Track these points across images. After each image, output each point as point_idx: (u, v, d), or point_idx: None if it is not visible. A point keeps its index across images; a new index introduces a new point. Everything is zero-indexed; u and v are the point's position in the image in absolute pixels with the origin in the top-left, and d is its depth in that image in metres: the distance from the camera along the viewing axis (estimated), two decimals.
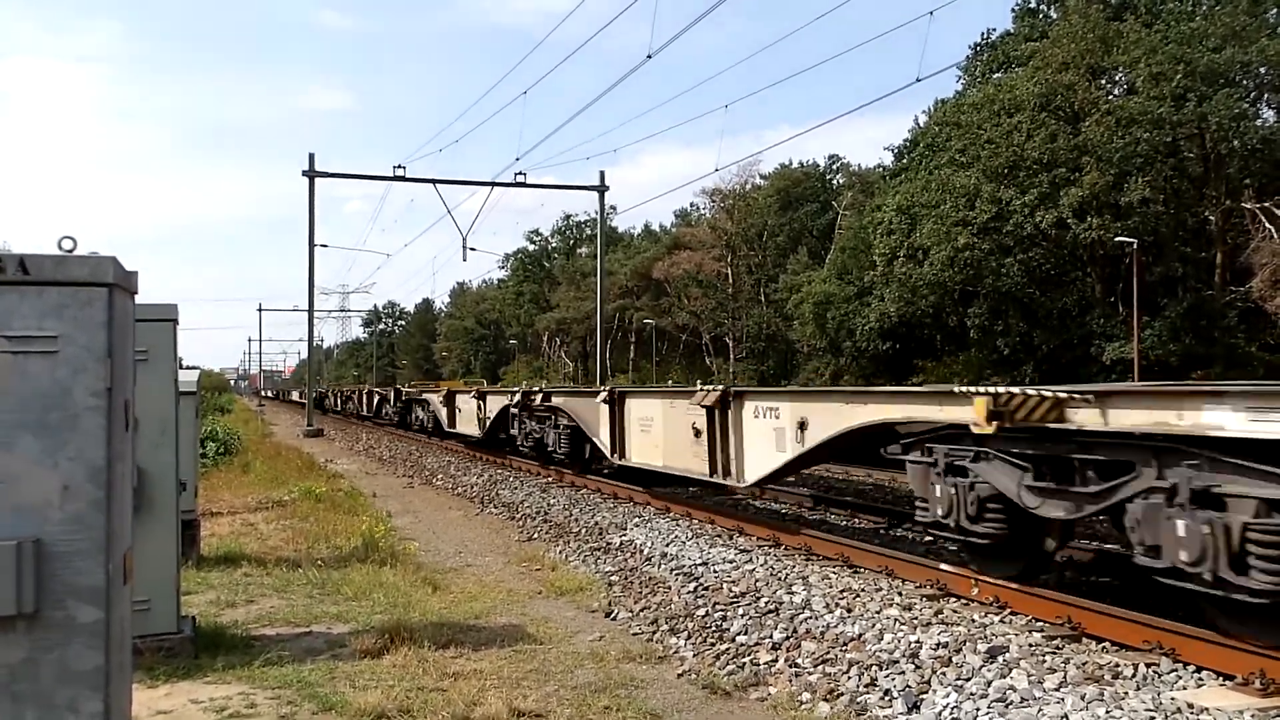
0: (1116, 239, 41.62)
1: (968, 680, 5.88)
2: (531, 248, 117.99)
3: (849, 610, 7.53)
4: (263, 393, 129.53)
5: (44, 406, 3.25)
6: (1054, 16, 52.40)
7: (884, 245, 50.76)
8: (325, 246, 56.48)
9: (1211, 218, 44.67)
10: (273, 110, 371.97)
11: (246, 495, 16.41)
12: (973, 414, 7.12)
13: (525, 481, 18.11)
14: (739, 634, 7.32)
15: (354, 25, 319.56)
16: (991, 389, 7.11)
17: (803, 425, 9.96)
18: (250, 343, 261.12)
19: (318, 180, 39.56)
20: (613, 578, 9.65)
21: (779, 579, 8.66)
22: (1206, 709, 5.24)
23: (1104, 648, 6.50)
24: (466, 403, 24.92)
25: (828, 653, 6.65)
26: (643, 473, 14.34)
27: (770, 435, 10.58)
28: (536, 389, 18.88)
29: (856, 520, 12.51)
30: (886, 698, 5.83)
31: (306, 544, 11.48)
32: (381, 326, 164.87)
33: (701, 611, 7.96)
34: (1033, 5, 55.67)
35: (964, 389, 7.46)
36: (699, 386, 12.02)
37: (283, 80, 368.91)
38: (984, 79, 53.69)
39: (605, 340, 52.96)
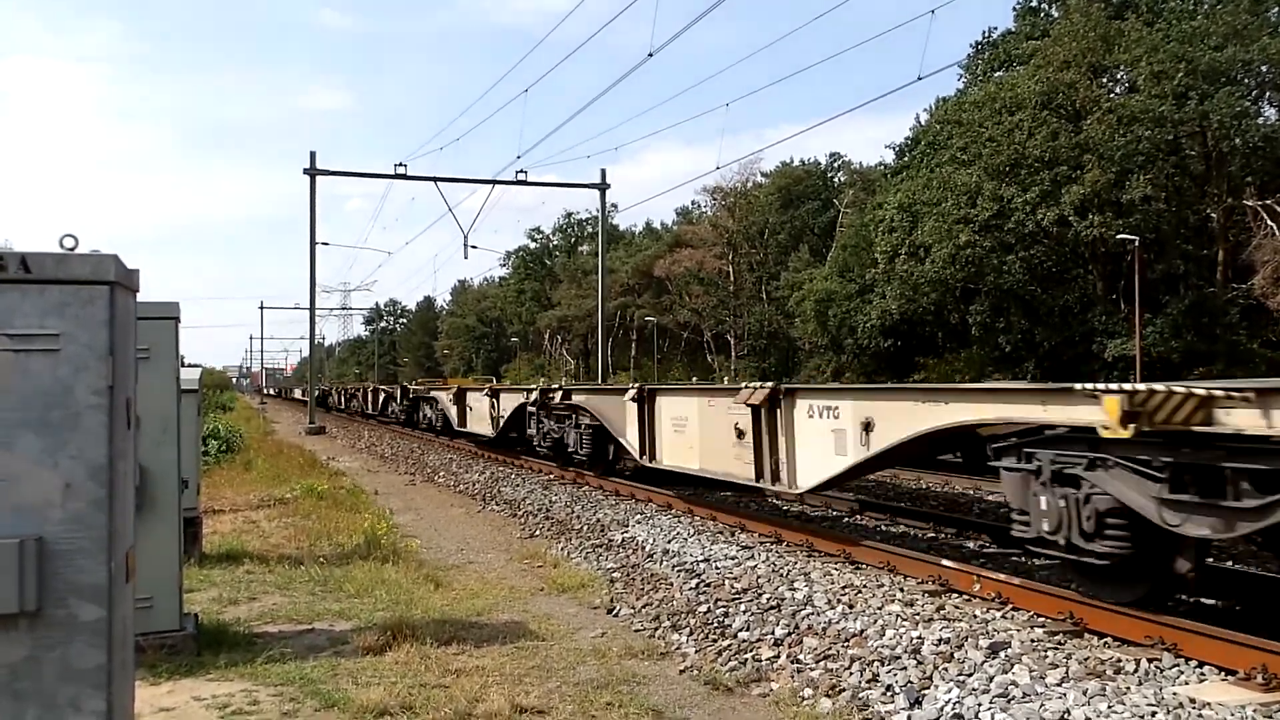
0: (1118, 236, 41.60)
1: (970, 676, 5.88)
2: (533, 245, 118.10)
3: (851, 606, 7.54)
4: (265, 391, 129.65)
5: (46, 405, 3.25)
6: (1055, 15, 52.40)
7: (885, 243, 50.78)
8: (326, 245, 56.70)
9: (1213, 215, 44.64)
10: (273, 110, 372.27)
11: (248, 493, 16.42)
12: (1101, 415, 6.30)
13: (527, 479, 18.11)
14: (741, 630, 7.32)
15: (354, 25, 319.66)
16: (1126, 386, 6.29)
17: (868, 426, 9.04)
18: (252, 341, 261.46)
19: (319, 179, 39.56)
20: (615, 574, 9.65)
21: (781, 575, 8.67)
22: (1208, 704, 5.24)
23: (1106, 643, 6.50)
24: (479, 401, 24.06)
25: (829, 648, 6.66)
26: (672, 475, 13.70)
27: (827, 437, 9.66)
28: (556, 386, 17.97)
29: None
30: (888, 693, 5.83)
31: (308, 541, 11.49)
32: (383, 324, 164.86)
33: (703, 608, 7.96)
34: (1034, 4, 55.64)
35: (1088, 386, 6.54)
36: (742, 384, 11.18)
37: (283, 80, 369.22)
38: (985, 77, 53.66)
39: (607, 338, 52.97)
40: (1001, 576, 7.87)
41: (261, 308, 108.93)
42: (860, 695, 5.84)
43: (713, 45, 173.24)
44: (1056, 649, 6.30)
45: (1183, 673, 5.82)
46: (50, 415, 3.25)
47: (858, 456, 9.26)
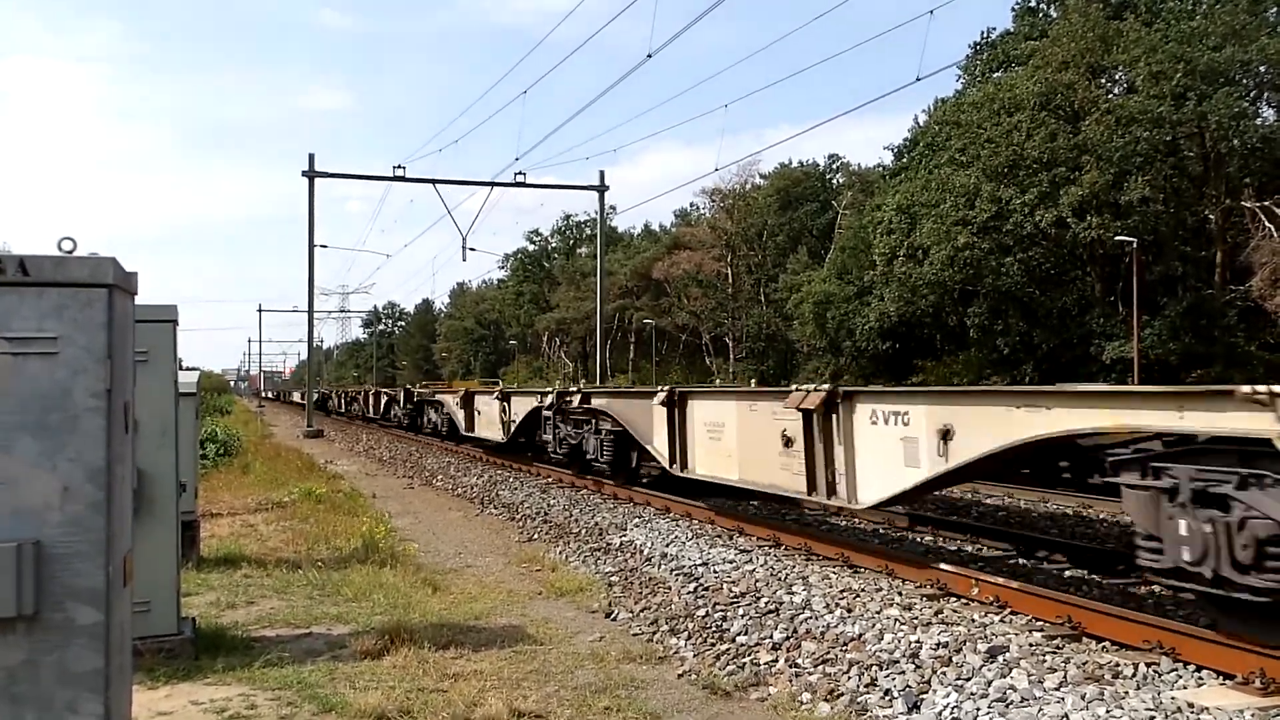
0: (1116, 238, 41.63)
1: (968, 680, 5.88)
2: (531, 248, 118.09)
3: (849, 610, 7.53)
4: (263, 394, 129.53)
5: (44, 408, 3.25)
6: (1054, 15, 52.44)
7: (884, 245, 50.79)
8: (325, 247, 56.62)
9: (1211, 216, 44.67)
10: (273, 110, 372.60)
11: (246, 496, 16.40)
12: (1271, 423, 5.38)
13: (525, 482, 18.10)
14: (739, 634, 7.32)
15: (354, 25, 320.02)
16: None
17: (946, 434, 7.95)
18: (250, 343, 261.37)
19: (318, 180, 39.57)
20: (613, 578, 9.65)
21: (779, 579, 8.66)
22: (1207, 708, 5.24)
23: (1104, 647, 6.50)
24: (488, 405, 22.94)
25: (828, 653, 6.65)
26: (704, 485, 12.71)
27: (896, 447, 8.55)
28: (574, 389, 16.76)
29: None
30: (887, 697, 5.83)
31: (306, 545, 11.48)
32: (381, 327, 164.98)
33: (702, 612, 7.96)
34: (1032, 4, 55.69)
35: (1257, 389, 5.53)
36: (792, 386, 10.00)
37: (283, 80, 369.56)
38: (984, 78, 53.71)
39: (605, 340, 52.98)
40: (1000, 580, 7.87)
41: (260, 310, 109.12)
42: (859, 699, 5.84)
43: (712, 46, 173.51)
44: (1055, 653, 6.30)
45: (1181, 677, 5.82)
46: (48, 418, 3.25)
47: (934, 469, 8.15)
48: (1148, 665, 5.97)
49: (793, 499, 11.16)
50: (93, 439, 3.29)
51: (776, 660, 6.70)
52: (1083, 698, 5.44)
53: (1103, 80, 46.05)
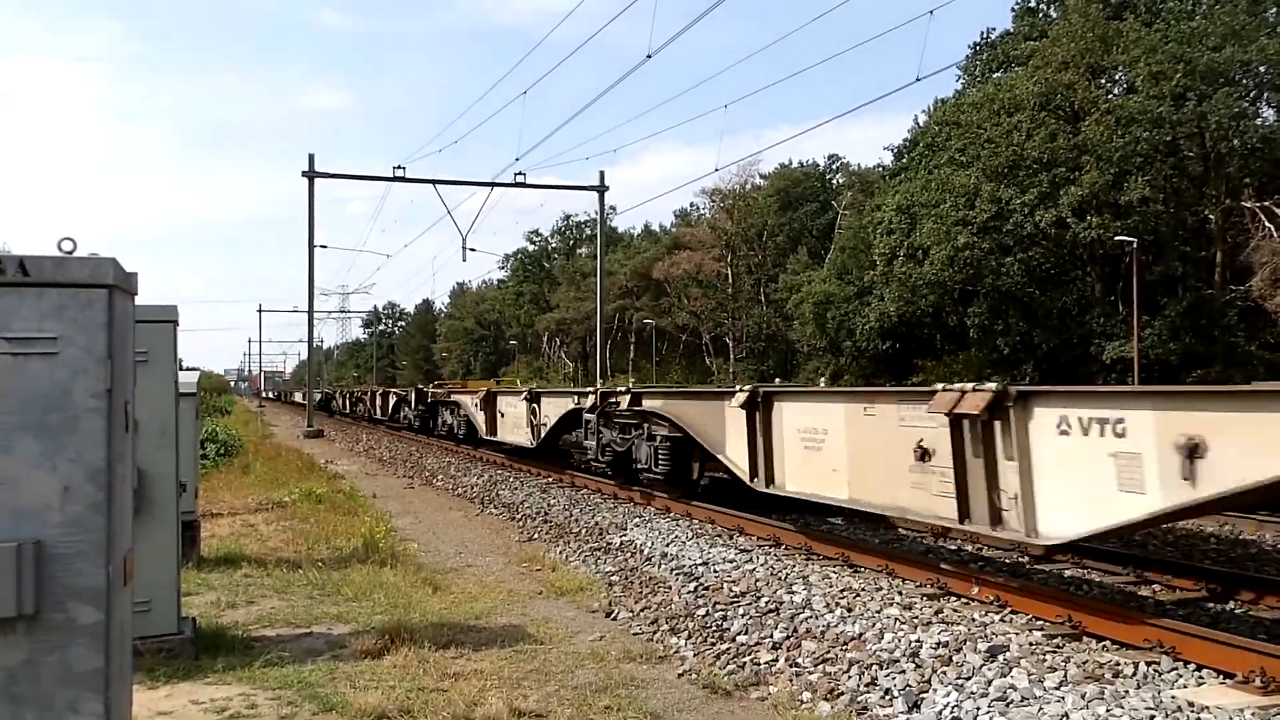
0: (1116, 238, 41.61)
1: (968, 679, 5.88)
2: (531, 248, 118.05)
3: (849, 610, 7.53)
4: (263, 394, 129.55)
5: (44, 408, 3.25)
6: (1054, 16, 52.41)
7: (884, 245, 50.78)
8: (325, 247, 56.57)
9: (1211, 216, 44.65)
10: (273, 110, 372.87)
11: (246, 496, 16.41)
12: None
13: (525, 482, 18.10)
14: (739, 634, 7.32)
15: (354, 25, 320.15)
16: None
17: (1193, 450, 5.92)
18: (250, 344, 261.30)
19: (318, 181, 39.56)
20: (613, 578, 9.65)
21: (779, 579, 8.66)
22: (1207, 707, 5.24)
23: (1104, 646, 6.50)
24: (512, 406, 20.91)
25: (828, 652, 6.65)
26: (791, 502, 11.14)
27: (1104, 465, 6.49)
28: (623, 389, 14.98)
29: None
30: (887, 697, 5.83)
31: (307, 545, 11.48)
32: (381, 327, 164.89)
33: (702, 611, 7.96)
34: (1032, 4, 55.67)
35: None
36: (937, 385, 8.09)
37: (283, 80, 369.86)
38: (984, 78, 53.71)
39: (605, 340, 52.98)
40: (1000, 580, 7.88)
41: (260, 310, 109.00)
42: (859, 699, 5.85)
43: (712, 46, 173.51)
44: (1055, 652, 6.30)
45: (1181, 676, 5.82)
46: (49, 418, 3.25)
47: (1174, 498, 6.10)
48: (1148, 664, 5.97)
49: (929, 524, 9.54)
50: (93, 439, 3.29)
51: (777, 659, 6.70)
52: (1083, 697, 5.44)
53: (1103, 80, 46.04)
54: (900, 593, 8.06)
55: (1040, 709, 5.35)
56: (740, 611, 7.81)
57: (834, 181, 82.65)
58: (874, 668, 6.24)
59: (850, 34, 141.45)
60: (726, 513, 11.95)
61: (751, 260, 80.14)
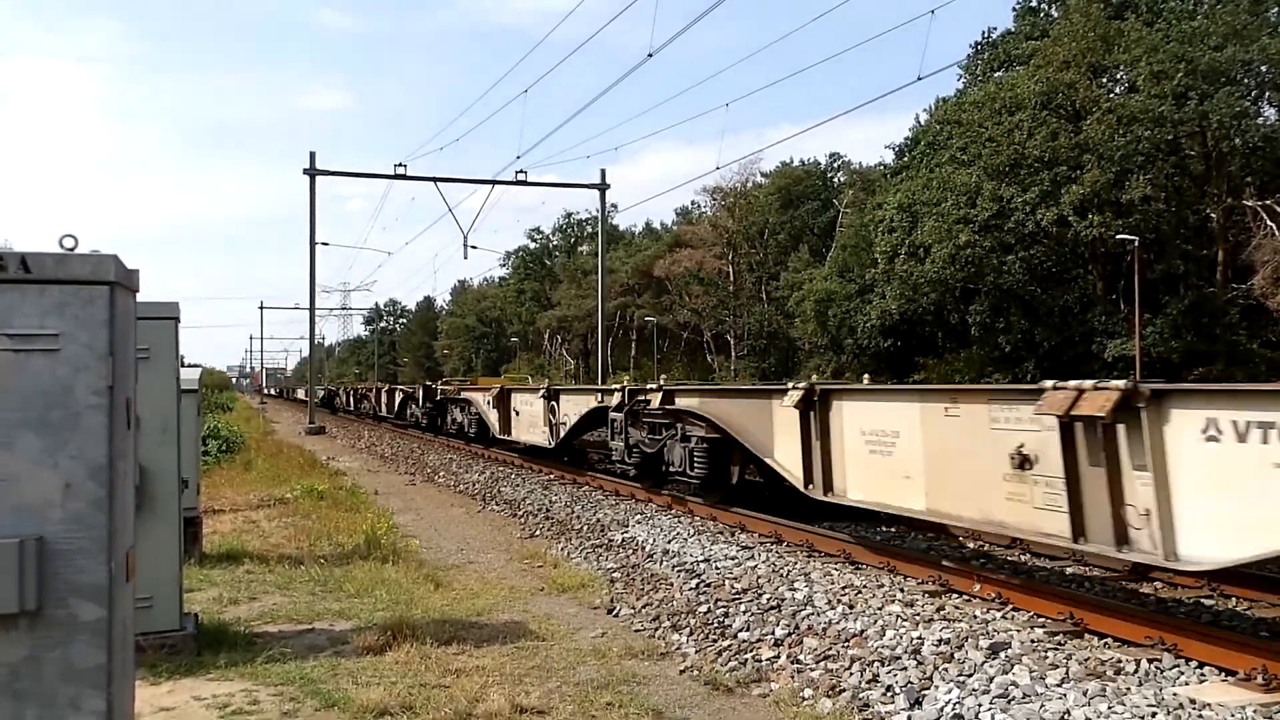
0: (1118, 236, 41.64)
1: (970, 676, 5.88)
2: (533, 246, 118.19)
3: (851, 607, 7.53)
4: (265, 391, 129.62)
5: (46, 405, 3.25)
6: (1055, 15, 52.46)
7: (885, 243, 50.83)
8: (326, 245, 56.63)
9: (1213, 215, 44.68)
10: (273, 110, 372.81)
11: (248, 493, 16.42)
12: None
13: (527, 479, 18.10)
14: (741, 630, 7.32)
15: (354, 25, 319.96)
16: None
17: None
18: (252, 341, 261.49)
19: (319, 179, 39.56)
20: (615, 574, 9.65)
21: (781, 575, 8.66)
22: (1209, 704, 5.24)
23: (1106, 644, 6.50)
24: (528, 404, 20.00)
25: (830, 649, 6.65)
26: (851, 511, 10.53)
27: (1269, 478, 5.50)
28: (653, 386, 13.88)
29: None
30: (889, 694, 5.83)
31: (308, 541, 11.49)
32: (383, 324, 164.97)
33: (704, 608, 7.96)
34: (1034, 4, 55.70)
35: None
36: (1046, 383, 6.89)
37: (283, 80, 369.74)
38: (985, 77, 53.74)
39: (607, 338, 52.99)
40: (1001, 577, 7.88)
41: (261, 308, 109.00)
42: (860, 695, 5.84)
43: (713, 45, 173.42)
44: (1057, 649, 6.30)
45: (1183, 673, 5.82)
46: (50, 415, 3.25)
47: None
48: (1149, 661, 5.97)
49: (1030, 540, 8.38)
50: (94, 436, 3.29)
51: (778, 656, 6.70)
52: (1084, 694, 5.44)
53: (1104, 79, 46.06)
54: (902, 590, 8.06)
55: (1042, 706, 5.35)
56: (742, 608, 7.81)
57: (835, 180, 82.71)
58: (875, 664, 6.24)
59: (851, 34, 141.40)
60: (729, 510, 11.94)
61: (753, 258, 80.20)
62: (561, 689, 6.05)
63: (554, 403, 18.21)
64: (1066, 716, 5.22)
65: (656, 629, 7.66)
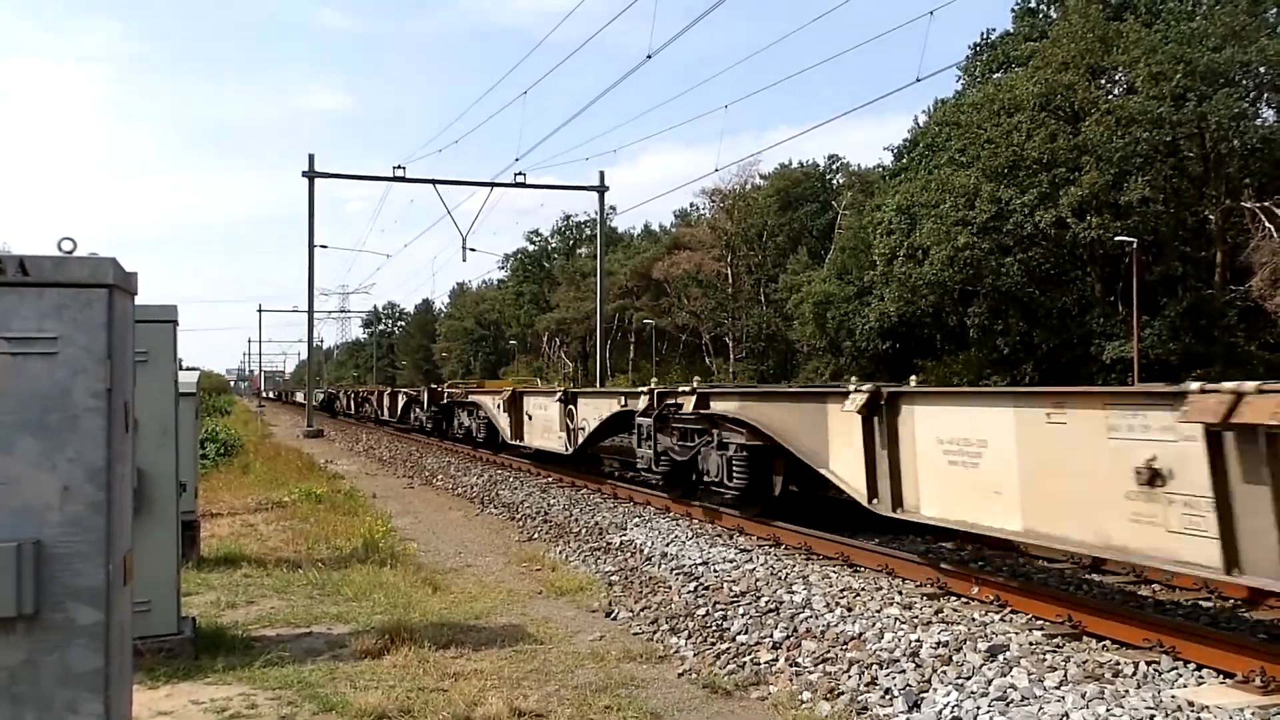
0: (1116, 238, 41.68)
1: (968, 679, 5.88)
2: (531, 248, 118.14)
3: (849, 609, 7.53)
4: (263, 393, 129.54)
5: (44, 408, 3.25)
6: (1054, 16, 52.52)
7: (884, 245, 50.85)
8: (325, 247, 56.52)
9: (1211, 217, 44.72)
10: (273, 110, 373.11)
11: (246, 496, 16.41)
12: None
13: (525, 482, 18.09)
14: (739, 633, 7.32)
15: (354, 25, 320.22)
16: None
17: None
18: (250, 343, 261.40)
19: (318, 181, 39.56)
20: (613, 578, 9.65)
21: (779, 578, 8.66)
22: (1207, 707, 5.24)
23: (1104, 646, 6.50)
24: (542, 407, 18.86)
25: (828, 652, 6.65)
26: (907, 525, 9.46)
27: None
28: (686, 388, 12.72)
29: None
30: (887, 696, 5.83)
31: (306, 545, 11.48)
32: (381, 327, 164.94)
33: (702, 611, 7.96)
34: (1032, 5, 55.75)
35: None
36: (1190, 384, 5.87)
37: (283, 80, 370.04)
38: (984, 79, 53.81)
39: (605, 340, 52.98)
40: (1000, 580, 7.88)
41: (260, 310, 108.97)
42: (859, 698, 5.84)
43: (712, 46, 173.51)
44: (1055, 652, 6.30)
45: (1181, 675, 5.82)
46: (48, 418, 3.25)
47: None
48: (1148, 664, 5.97)
49: (1167, 568, 6.77)
50: (93, 439, 3.29)
51: (777, 659, 6.70)
52: (1083, 696, 5.44)
53: (1103, 81, 46.11)
54: (900, 592, 8.06)
55: (1040, 708, 5.35)
56: (740, 611, 7.81)
57: (834, 182, 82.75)
58: (874, 667, 6.24)
59: (850, 34, 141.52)
60: (727, 513, 11.93)
61: (751, 260, 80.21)
62: (560, 692, 6.05)
63: (571, 406, 17.21)
64: (1065, 719, 5.22)
65: (654, 632, 7.66)
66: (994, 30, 57.88)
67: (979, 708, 5.46)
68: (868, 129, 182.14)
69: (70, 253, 3.35)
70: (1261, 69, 43.20)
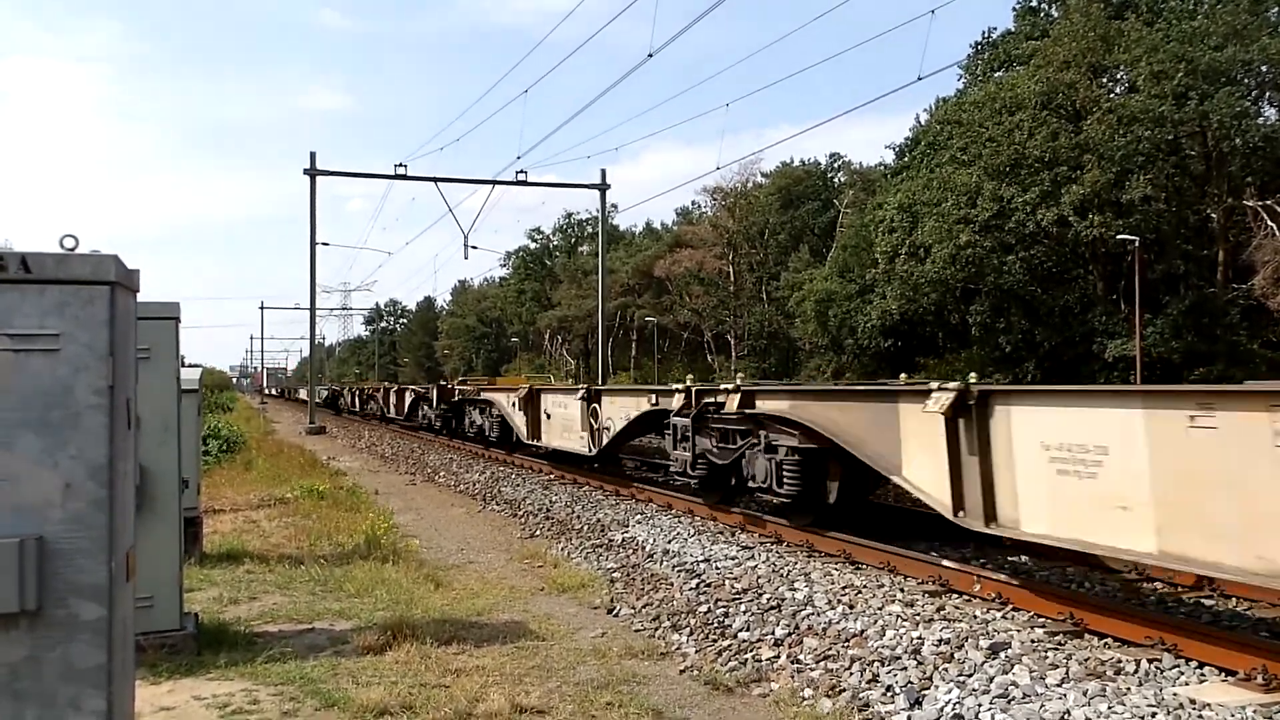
0: (1118, 237, 41.62)
1: (970, 676, 5.88)
2: (533, 246, 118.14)
3: (851, 607, 7.53)
4: (266, 390, 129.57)
5: (46, 405, 3.25)
6: (1055, 15, 52.43)
7: (885, 243, 50.80)
8: (327, 245, 56.59)
9: (1213, 215, 44.65)
10: (273, 110, 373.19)
11: (249, 493, 16.42)
12: None
13: (527, 479, 18.10)
14: (741, 630, 7.33)
15: (354, 25, 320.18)
16: None
17: None
18: (252, 341, 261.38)
19: (319, 179, 39.56)
20: (615, 574, 9.65)
21: (781, 575, 8.66)
22: (1209, 704, 5.24)
23: (1106, 644, 6.50)
24: (562, 406, 17.98)
25: (830, 649, 6.66)
26: (985, 537, 8.08)
27: None
28: (729, 386, 11.66)
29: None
30: (888, 694, 5.83)
31: (309, 541, 11.49)
32: (383, 325, 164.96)
33: (704, 608, 7.96)
34: (1034, 4, 55.66)
35: None
36: None
37: (283, 80, 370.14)
38: (985, 77, 53.70)
39: (607, 338, 52.98)
40: (1002, 577, 7.87)
41: (262, 308, 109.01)
42: (860, 695, 5.85)
43: (713, 45, 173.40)
44: (1057, 649, 6.31)
45: (1183, 673, 5.83)
46: (50, 415, 3.25)
47: None
48: (1150, 662, 5.97)
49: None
50: (95, 436, 3.29)
51: (778, 656, 6.70)
52: (1084, 694, 5.45)
53: (1104, 79, 46.03)
54: (902, 590, 8.06)
55: (1042, 706, 5.35)
56: (742, 608, 7.81)
57: (835, 180, 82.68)
58: (875, 664, 6.25)
59: (851, 33, 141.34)
60: (729, 510, 11.93)
61: (753, 258, 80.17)
62: (561, 689, 6.05)
63: (595, 405, 16.30)
64: (1066, 716, 5.23)
65: (656, 629, 7.66)
66: (995, 29, 57.83)
67: (980, 705, 5.46)
68: (869, 127, 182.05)
69: (72, 250, 3.36)
70: (1263, 68, 43.13)
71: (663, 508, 13.30)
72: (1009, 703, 5.46)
